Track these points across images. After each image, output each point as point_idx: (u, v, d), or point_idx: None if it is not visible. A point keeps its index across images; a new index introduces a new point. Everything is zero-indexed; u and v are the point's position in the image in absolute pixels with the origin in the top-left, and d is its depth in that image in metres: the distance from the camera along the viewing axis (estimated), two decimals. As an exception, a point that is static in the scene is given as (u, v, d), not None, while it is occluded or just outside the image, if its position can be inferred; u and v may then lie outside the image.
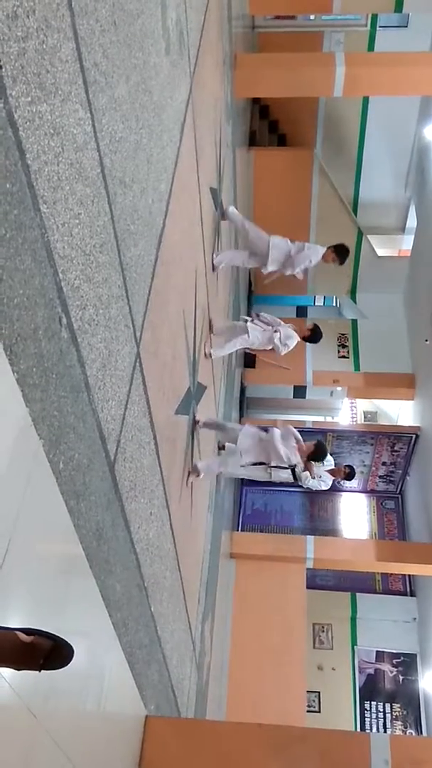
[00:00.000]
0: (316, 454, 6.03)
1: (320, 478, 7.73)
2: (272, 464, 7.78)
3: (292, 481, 7.93)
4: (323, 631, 10.22)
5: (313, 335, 6.31)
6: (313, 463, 7.50)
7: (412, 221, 12.04)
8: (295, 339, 6.24)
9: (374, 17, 10.38)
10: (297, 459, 5.87)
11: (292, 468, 7.84)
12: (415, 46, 9.27)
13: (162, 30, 3.26)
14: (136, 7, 2.76)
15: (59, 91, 1.94)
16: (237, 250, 6.79)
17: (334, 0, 8.37)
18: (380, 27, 10.47)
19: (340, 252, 6.16)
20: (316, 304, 14.07)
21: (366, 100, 11.09)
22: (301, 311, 13.31)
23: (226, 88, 6.53)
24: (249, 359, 10.76)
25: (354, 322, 12.38)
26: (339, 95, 7.85)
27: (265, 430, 6.12)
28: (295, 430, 5.94)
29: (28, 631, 1.70)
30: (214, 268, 6.11)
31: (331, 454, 7.93)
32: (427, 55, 8.81)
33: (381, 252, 12.29)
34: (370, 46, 10.62)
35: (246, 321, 6.32)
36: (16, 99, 1.66)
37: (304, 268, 6.27)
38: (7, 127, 1.63)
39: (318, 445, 6.04)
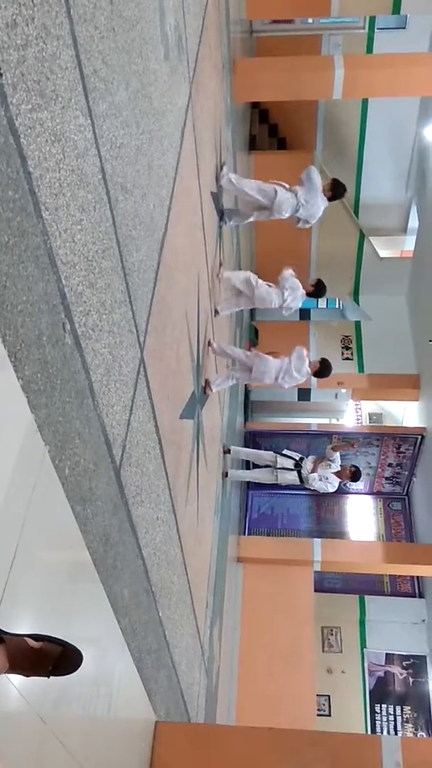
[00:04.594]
0: (322, 370, 6.07)
1: (326, 479, 7.73)
2: (278, 466, 7.79)
3: (299, 483, 7.94)
4: (332, 635, 10.18)
5: (318, 290, 6.37)
6: (326, 459, 7.50)
7: (413, 222, 12.04)
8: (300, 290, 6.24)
9: (372, 19, 10.40)
10: (309, 372, 6.02)
11: (299, 470, 7.86)
12: (414, 47, 9.26)
13: (161, 36, 3.28)
14: (135, 13, 2.77)
15: (59, 98, 1.94)
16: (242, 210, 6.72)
17: (332, 2, 8.39)
18: (378, 29, 10.50)
19: (336, 188, 6.48)
20: (319, 306, 14.08)
21: (365, 101, 11.10)
22: (304, 314, 13.30)
23: (225, 93, 6.55)
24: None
25: (357, 323, 12.37)
26: (338, 98, 7.88)
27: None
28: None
29: (36, 637, 1.70)
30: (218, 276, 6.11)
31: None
32: (425, 55, 8.81)
33: (383, 253, 12.29)
34: (369, 49, 10.65)
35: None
36: (17, 106, 1.67)
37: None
38: (9, 135, 1.64)
39: (323, 360, 6.17)
